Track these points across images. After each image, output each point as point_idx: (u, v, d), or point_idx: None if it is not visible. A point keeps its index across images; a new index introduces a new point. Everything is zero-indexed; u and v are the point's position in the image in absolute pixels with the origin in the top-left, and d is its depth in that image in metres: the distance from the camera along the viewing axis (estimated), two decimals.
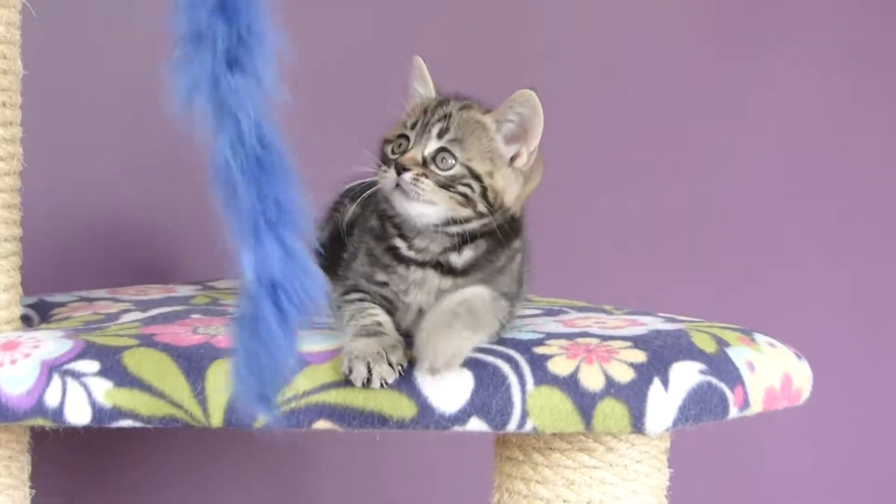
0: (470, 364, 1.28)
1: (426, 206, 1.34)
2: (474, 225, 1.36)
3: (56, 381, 1.28)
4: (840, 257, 2.57)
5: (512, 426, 1.26)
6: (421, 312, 1.37)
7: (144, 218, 2.14)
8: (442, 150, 1.36)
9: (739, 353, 1.37)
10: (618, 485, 1.37)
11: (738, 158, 2.48)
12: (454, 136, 1.36)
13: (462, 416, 1.26)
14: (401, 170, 1.33)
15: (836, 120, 2.55)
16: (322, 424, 1.26)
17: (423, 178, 1.33)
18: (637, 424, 1.27)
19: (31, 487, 1.51)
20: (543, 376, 1.27)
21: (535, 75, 2.34)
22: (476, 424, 1.26)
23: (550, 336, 1.37)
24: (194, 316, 1.50)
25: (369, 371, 1.24)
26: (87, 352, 1.31)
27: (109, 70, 2.09)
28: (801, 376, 1.44)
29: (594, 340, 1.35)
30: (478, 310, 1.30)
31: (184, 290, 1.77)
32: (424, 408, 1.25)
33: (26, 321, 1.52)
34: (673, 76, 2.45)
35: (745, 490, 2.55)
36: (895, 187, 2.60)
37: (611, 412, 1.26)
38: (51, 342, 1.33)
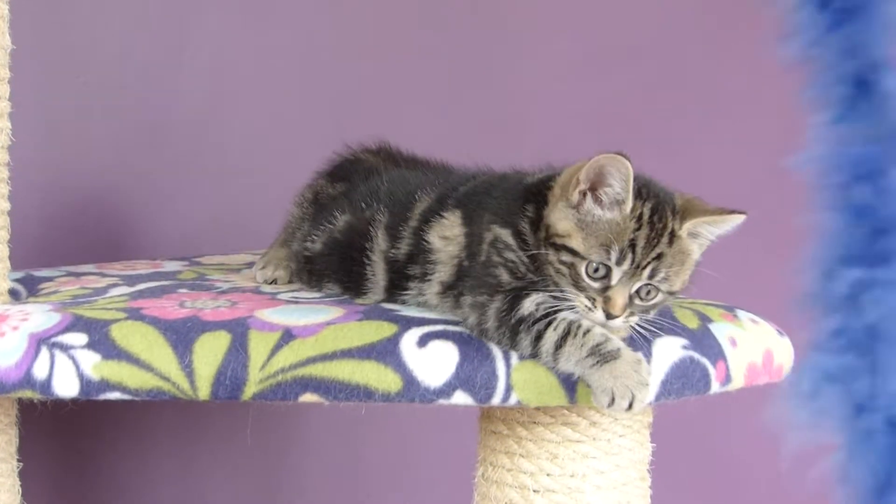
0: (455, 338, 1.30)
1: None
2: None
3: (44, 353, 1.29)
4: None
5: (496, 400, 1.27)
6: None
7: (132, 193, 2.15)
8: (648, 285, 1.31)
9: (722, 329, 1.39)
10: (601, 459, 1.39)
11: (728, 142, 2.48)
12: (664, 276, 1.31)
13: (447, 390, 1.27)
14: (611, 317, 1.29)
15: None
16: (308, 397, 1.28)
17: (630, 318, 1.31)
18: None
19: (18, 460, 1.52)
20: None
21: (525, 59, 2.36)
22: (461, 398, 1.27)
23: None
24: (181, 290, 1.50)
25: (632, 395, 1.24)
26: (75, 325, 1.31)
27: (98, 45, 2.09)
28: (783, 352, 1.45)
29: None
30: None
31: (171, 266, 1.77)
32: (410, 381, 1.26)
33: (14, 295, 1.53)
34: (665, 63, 2.45)
35: (728, 465, 2.57)
36: None
37: None
38: (39, 315, 1.34)
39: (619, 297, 1.29)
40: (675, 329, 1.35)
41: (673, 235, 1.32)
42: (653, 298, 1.32)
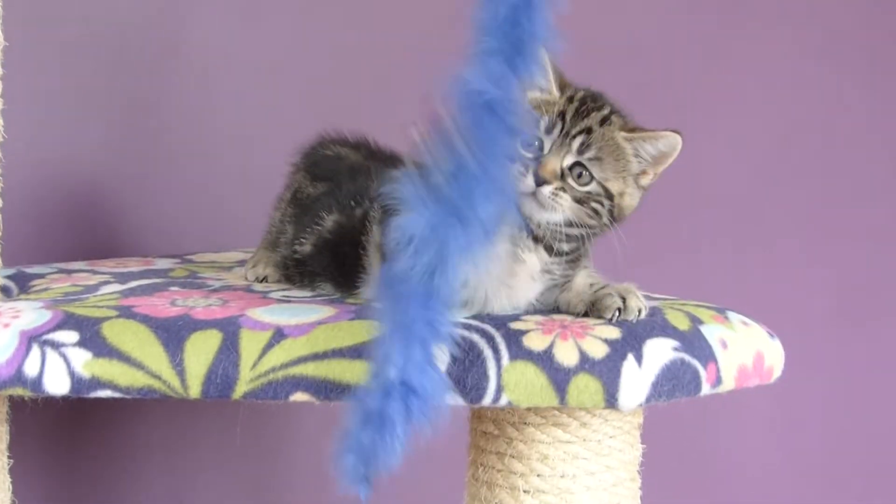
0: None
1: (556, 215, 1.35)
2: (595, 232, 1.39)
3: (35, 351, 1.29)
4: (817, 243, 2.59)
5: (487, 400, 1.27)
6: None
7: (124, 191, 2.14)
8: (580, 164, 1.35)
9: (712, 331, 1.39)
10: (591, 459, 1.39)
11: (720, 143, 2.49)
12: (594, 155, 1.36)
13: None
14: (541, 182, 1.33)
15: (819, 105, 2.57)
16: (299, 397, 1.28)
17: (561, 193, 1.34)
18: (611, 400, 1.28)
19: (9, 458, 1.52)
20: (518, 351, 1.28)
21: None
22: (451, 398, 1.27)
23: (526, 312, 1.38)
24: (173, 288, 1.50)
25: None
26: (67, 322, 1.31)
27: (92, 42, 2.09)
28: (774, 355, 1.45)
29: (569, 317, 1.36)
30: None
31: (162, 263, 1.77)
32: None
33: (5, 292, 1.53)
34: (655, 60, 2.45)
35: (717, 466, 2.57)
36: (873, 175, 2.62)
37: (585, 387, 1.27)
38: (30, 312, 1.34)
39: (549, 162, 1.34)
40: (667, 330, 1.35)
41: (606, 120, 1.38)
42: (585, 184, 1.35)
